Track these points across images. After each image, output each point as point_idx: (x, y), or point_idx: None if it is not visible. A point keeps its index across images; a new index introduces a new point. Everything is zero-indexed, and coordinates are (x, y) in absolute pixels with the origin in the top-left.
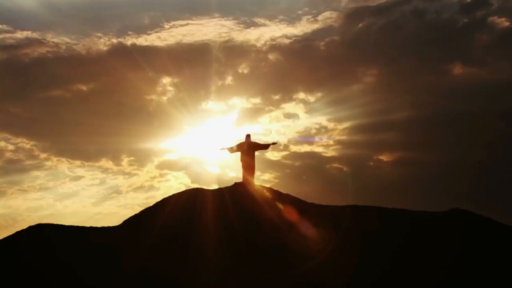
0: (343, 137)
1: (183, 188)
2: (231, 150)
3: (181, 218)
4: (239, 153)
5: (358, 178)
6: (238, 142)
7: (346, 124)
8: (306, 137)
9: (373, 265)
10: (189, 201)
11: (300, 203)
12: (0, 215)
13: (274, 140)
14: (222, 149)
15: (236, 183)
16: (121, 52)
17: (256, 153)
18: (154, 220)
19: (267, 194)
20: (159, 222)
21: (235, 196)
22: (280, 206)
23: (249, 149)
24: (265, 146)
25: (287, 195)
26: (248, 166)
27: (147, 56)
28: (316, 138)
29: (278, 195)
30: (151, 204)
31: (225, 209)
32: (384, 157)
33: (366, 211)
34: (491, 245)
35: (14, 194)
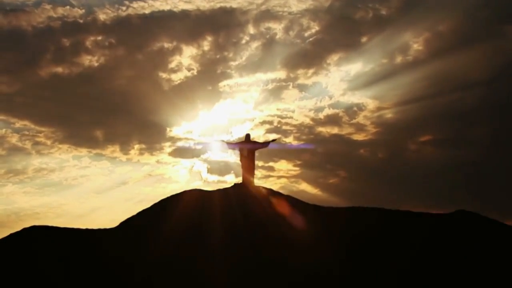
0: (379, 117)
1: (194, 181)
2: (232, 148)
3: (187, 220)
4: (239, 152)
5: (394, 165)
6: (239, 140)
7: (386, 102)
8: (302, 144)
9: (366, 263)
10: (191, 203)
11: (299, 204)
12: (2, 211)
13: (274, 137)
14: (227, 142)
15: (235, 184)
16: (137, 19)
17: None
18: (149, 225)
19: (266, 194)
20: (155, 228)
21: (233, 198)
22: (275, 205)
23: (249, 153)
24: (264, 145)
25: (288, 197)
26: (248, 167)
27: (165, 24)
28: (311, 145)
29: (277, 196)
30: (152, 202)
31: (223, 210)
32: (426, 139)
33: (368, 212)
34: (496, 247)
35: (16, 186)
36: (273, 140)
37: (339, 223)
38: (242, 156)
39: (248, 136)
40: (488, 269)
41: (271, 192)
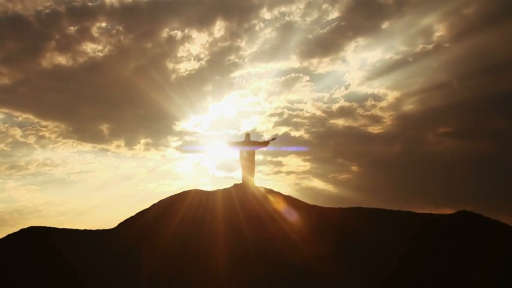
0: (396, 108)
1: (200, 177)
2: (233, 148)
3: (186, 221)
4: (239, 151)
5: (410, 160)
6: (239, 140)
7: (405, 92)
8: (297, 147)
9: (364, 262)
10: (191, 204)
11: (299, 204)
12: (5, 209)
13: (273, 136)
14: (228, 142)
15: (235, 184)
16: (145, 4)
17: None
18: (147, 226)
19: (266, 194)
20: (153, 229)
21: (233, 198)
22: (275, 205)
23: (249, 153)
24: (264, 144)
25: (288, 197)
26: (248, 168)
27: (175, 9)
28: (305, 147)
29: (276, 196)
30: (156, 200)
31: (224, 210)
32: (445, 131)
33: (369, 212)
34: (500, 248)
35: (19, 182)
36: (273, 139)
37: (338, 223)
38: (241, 157)
39: (248, 135)
40: (488, 269)
41: (270, 192)
